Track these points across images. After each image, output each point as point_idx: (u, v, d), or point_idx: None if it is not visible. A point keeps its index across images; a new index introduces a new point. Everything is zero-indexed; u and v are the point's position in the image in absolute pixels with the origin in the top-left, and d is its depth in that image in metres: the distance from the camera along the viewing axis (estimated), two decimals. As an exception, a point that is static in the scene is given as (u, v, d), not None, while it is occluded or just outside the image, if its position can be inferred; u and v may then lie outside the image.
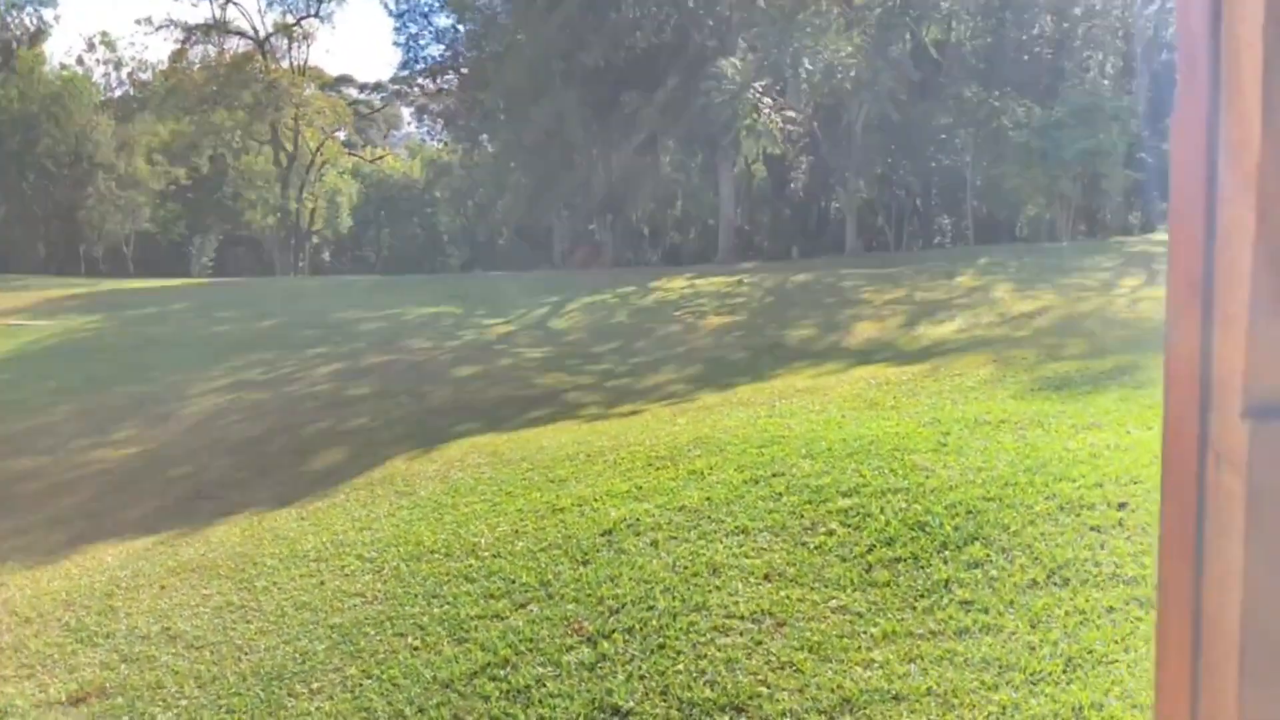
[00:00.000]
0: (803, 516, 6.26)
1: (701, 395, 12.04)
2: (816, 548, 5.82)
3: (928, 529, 5.76)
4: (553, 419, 11.53)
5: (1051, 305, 16.49)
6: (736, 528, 6.24)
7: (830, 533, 5.96)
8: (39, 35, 53.63)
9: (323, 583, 6.53)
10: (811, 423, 8.64)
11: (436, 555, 6.68)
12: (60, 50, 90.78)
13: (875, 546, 5.69)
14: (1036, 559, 5.25)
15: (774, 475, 7.04)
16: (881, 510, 6.10)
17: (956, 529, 5.70)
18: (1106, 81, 31.18)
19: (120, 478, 10.36)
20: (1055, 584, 4.99)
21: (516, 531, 6.88)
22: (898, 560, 5.51)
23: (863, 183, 33.88)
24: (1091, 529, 5.46)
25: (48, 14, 54.59)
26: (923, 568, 5.39)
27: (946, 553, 5.49)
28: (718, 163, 36.46)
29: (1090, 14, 30.64)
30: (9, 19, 52.97)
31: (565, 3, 34.64)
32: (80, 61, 55.15)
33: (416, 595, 6.12)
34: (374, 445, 10.79)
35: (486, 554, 6.57)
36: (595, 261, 38.09)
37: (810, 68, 28.15)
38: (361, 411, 12.70)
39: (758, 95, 26.63)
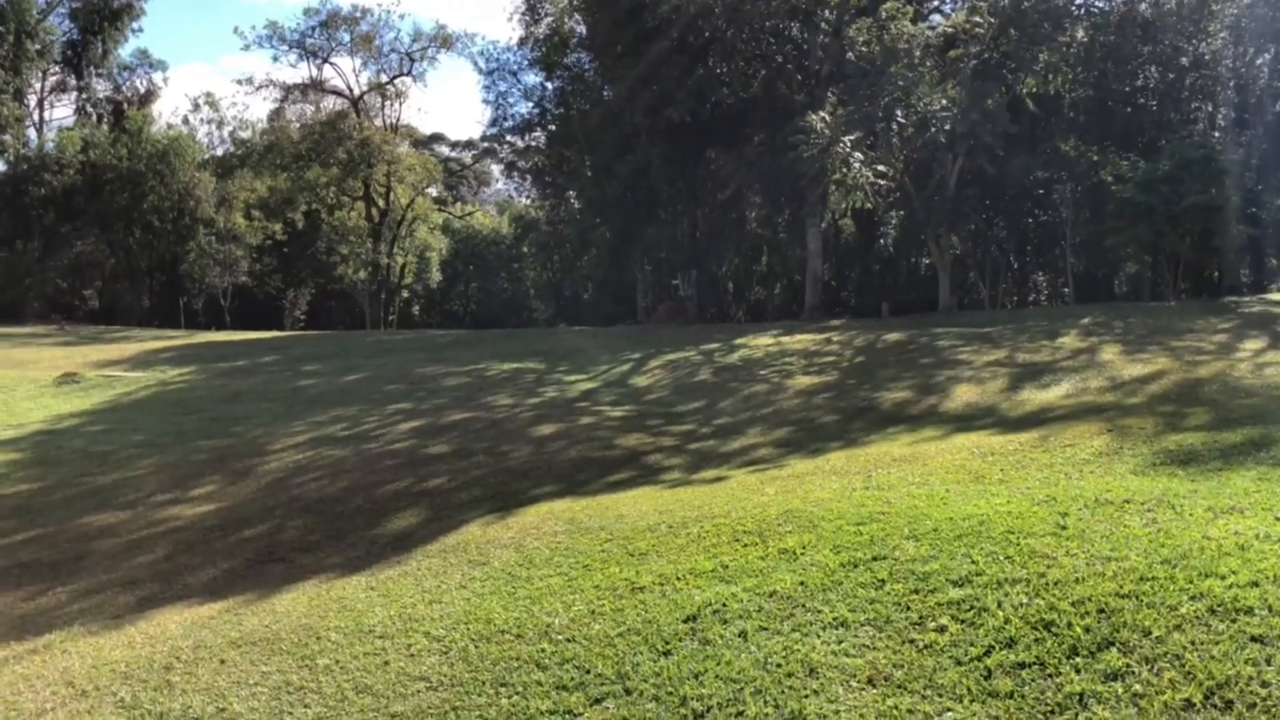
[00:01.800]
0: (909, 608, 5.64)
1: (790, 461, 11.43)
2: (926, 647, 5.20)
3: (1054, 629, 5.10)
4: (633, 483, 11.05)
5: (1166, 369, 15.49)
6: (835, 619, 5.65)
7: (941, 629, 5.33)
8: (149, 97, 56.23)
9: (387, 663, 6.11)
10: (913, 497, 7.99)
11: (507, 636, 6.22)
12: (168, 110, 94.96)
13: (994, 648, 5.05)
14: (1189, 673, 4.55)
15: (874, 558, 6.44)
16: (999, 604, 5.45)
17: (1088, 630, 5.03)
18: (1216, 134, 29.90)
19: (194, 536, 10.17)
20: (1216, 707, 4.29)
21: (593, 612, 6.39)
22: (1021, 666, 4.86)
23: (956, 238, 32.99)
24: (1253, 639, 4.73)
25: (157, 77, 57.27)
26: (1051, 677, 4.73)
27: (1078, 659, 4.82)
28: (805, 217, 35.96)
29: (1198, 64, 29.48)
30: (121, 82, 55.67)
31: (651, 59, 34.77)
32: (185, 121, 57.54)
33: (484, 683, 5.65)
34: (450, 508, 10.43)
35: (560, 637, 6.08)
36: (678, 317, 37.76)
37: (903, 121, 27.56)
38: (439, 471, 12.39)
39: (847, 149, 26.10)
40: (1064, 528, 6.53)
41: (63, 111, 56.03)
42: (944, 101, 26.88)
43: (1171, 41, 28.53)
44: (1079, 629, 5.05)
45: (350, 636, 6.59)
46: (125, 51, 55.79)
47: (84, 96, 55.71)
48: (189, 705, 5.87)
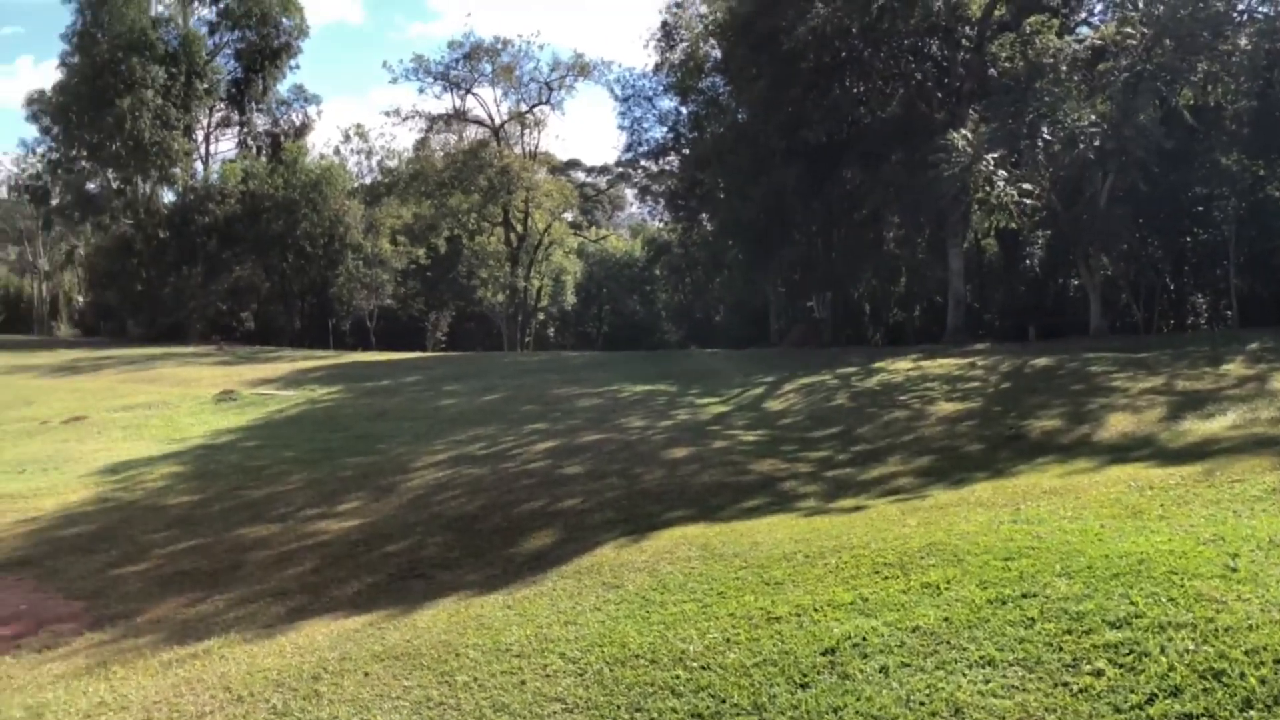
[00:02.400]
0: (1062, 649, 5.35)
1: (933, 491, 11.07)
2: (1081, 691, 4.91)
3: (1225, 679, 4.75)
4: (768, 510, 10.90)
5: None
6: (981, 658, 5.41)
7: (1098, 673, 5.03)
8: (303, 129, 59.27)
9: (524, 683, 6.16)
10: (1065, 532, 7.61)
11: (642, 661, 6.18)
12: (321, 141, 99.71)
13: (1157, 696, 4.73)
14: (1383, 735, 4.16)
15: (1024, 595, 6.14)
16: (1162, 650, 5.11)
17: (1264, 682, 4.66)
18: (1400, 145, 27.72)
19: (340, 550, 10.53)
20: None
21: (728, 640, 6.29)
22: (1188, 718, 4.54)
23: (1107, 259, 31.52)
24: None
25: (311, 110, 60.27)
26: (1223, 730, 4.40)
27: (1253, 713, 4.47)
28: (946, 238, 35.03)
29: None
30: (279, 116, 58.86)
31: (787, 81, 34.58)
32: (337, 151, 60.34)
33: (619, 706, 5.63)
34: (584, 529, 10.50)
35: (695, 664, 6.01)
36: (813, 340, 37.26)
37: (1049, 137, 26.56)
38: (574, 491, 12.51)
39: (990, 168, 25.31)
40: (1234, 570, 6.09)
41: (225, 145, 59.50)
42: (1093, 117, 25.77)
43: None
44: (1253, 680, 4.68)
45: (488, 654, 6.68)
46: (283, 87, 58.98)
47: (245, 130, 59.10)
48: (335, 715, 6.04)
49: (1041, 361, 21.30)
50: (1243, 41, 26.18)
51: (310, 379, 27.33)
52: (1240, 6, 27.33)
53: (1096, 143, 25.69)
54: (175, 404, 22.11)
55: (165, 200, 55.21)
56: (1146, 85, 26.40)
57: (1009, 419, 15.77)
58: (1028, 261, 39.94)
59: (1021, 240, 37.26)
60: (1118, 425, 14.42)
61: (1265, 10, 27.53)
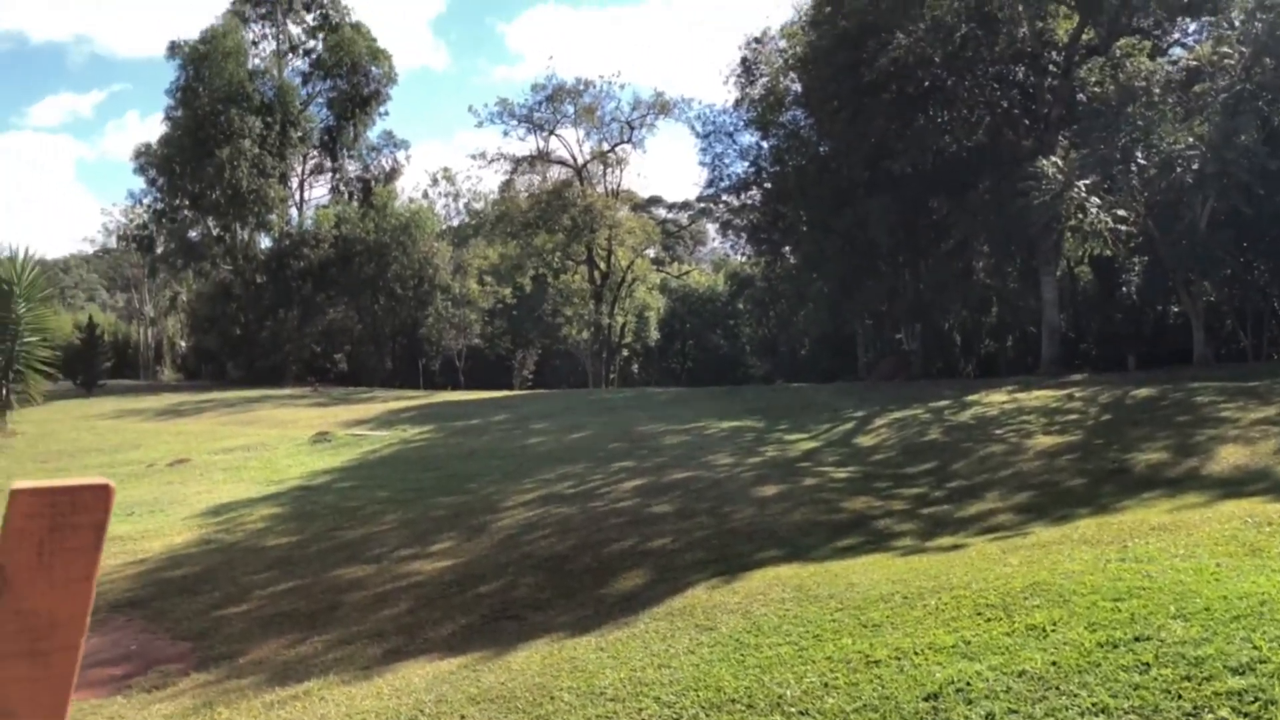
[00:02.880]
0: (1180, 697, 5.10)
1: (1034, 529, 10.73)
2: (1205, 744, 4.66)
3: (1362, 731, 4.46)
4: (862, 549, 10.68)
5: None
6: (1093, 705, 5.18)
7: (1222, 724, 4.78)
8: (393, 174, 60.92)
9: (622, 728, 6.11)
10: (1178, 571, 7.29)
11: (738, 705, 6.08)
12: (410, 185, 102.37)
13: (1288, 749, 4.47)
14: None
15: (1136, 639, 5.88)
16: (1292, 699, 4.83)
17: (1405, 736, 4.36)
18: None
19: (434, 591, 10.63)
20: None
21: (826, 684, 6.15)
22: (1323, 773, 4.28)
23: (1208, 284, 30.39)
24: None
25: (400, 155, 61.87)
26: (1365, 788, 4.12)
27: (1395, 768, 4.19)
28: (1038, 266, 34.22)
29: None
30: (369, 161, 60.64)
31: (869, 112, 34.38)
32: (425, 195, 61.86)
33: (716, 753, 5.54)
34: (674, 570, 10.43)
35: (792, 709, 5.88)
36: (902, 372, 36.66)
37: (1144, 162, 25.83)
38: (663, 531, 12.44)
39: (1083, 194, 24.70)
40: (1366, 613, 5.75)
41: (319, 191, 61.44)
42: (1190, 139, 24.99)
43: None
44: (1395, 734, 4.39)
45: (582, 698, 6.64)
46: (373, 134, 60.77)
47: (337, 176, 61.00)
48: (432, 759, 6.07)
49: (1143, 392, 20.58)
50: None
51: (402, 419, 27.85)
52: (1345, 20, 26.30)
53: (1195, 166, 24.88)
54: (273, 445, 22.72)
55: (262, 246, 57.19)
56: (1247, 105, 25.53)
57: (1111, 452, 15.23)
58: (1124, 289, 38.76)
59: (1117, 267, 36.21)
60: (1229, 458, 13.81)
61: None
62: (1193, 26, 34.80)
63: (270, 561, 12.54)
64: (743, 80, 45.43)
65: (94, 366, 45.58)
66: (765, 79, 44.83)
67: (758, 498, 14.01)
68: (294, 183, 59.44)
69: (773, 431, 20.84)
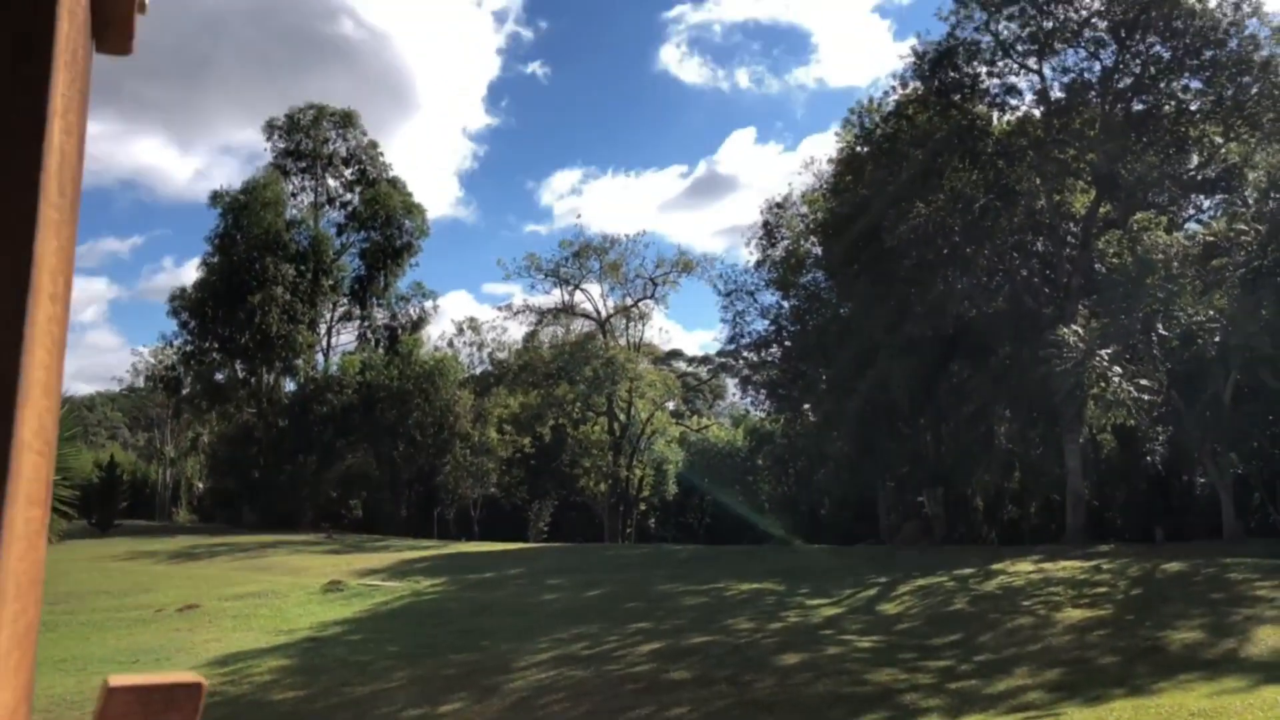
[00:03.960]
0: None
1: (1066, 710, 10.30)
2: None
3: None
4: (890, 727, 10.25)
5: None
6: None
7: None
8: (420, 323, 62.01)
9: None
10: (1228, 768, 6.93)
11: None
12: (436, 333, 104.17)
13: None
14: None
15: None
16: None
17: None
18: None
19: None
20: None
21: None
22: None
23: (1235, 456, 30.06)
24: None
25: (428, 305, 63.04)
26: None
27: None
28: (1061, 433, 34.02)
29: None
30: (398, 310, 61.84)
31: (888, 277, 35.01)
32: (450, 343, 62.67)
33: None
34: (694, 743, 10.01)
35: None
36: (924, 537, 36.03)
37: (1165, 333, 26.01)
38: (681, 699, 12.02)
39: (1105, 363, 24.78)
40: None
41: (346, 337, 62.45)
42: (1211, 312, 25.22)
43: None
44: None
45: None
46: (403, 284, 62.18)
47: (365, 324, 62.09)
48: None
49: (1174, 566, 20.08)
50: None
51: (416, 569, 27.45)
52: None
53: (1216, 339, 25.03)
54: (284, 593, 22.35)
55: (287, 390, 57.78)
56: (1266, 280, 25.86)
57: (1144, 629, 14.74)
58: (1149, 458, 38.38)
59: (1141, 436, 35.97)
60: (1268, 640, 13.33)
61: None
62: (1207, 203, 35.65)
63: (276, 717, 12.14)
64: (764, 243, 46.60)
65: (111, 506, 45.45)
66: (787, 242, 45.96)
67: (779, 666, 13.56)
68: (322, 329, 60.55)
69: (794, 595, 20.35)
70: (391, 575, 26.14)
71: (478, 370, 62.88)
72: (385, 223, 59.59)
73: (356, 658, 15.40)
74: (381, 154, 61.41)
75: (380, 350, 59.94)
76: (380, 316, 62.37)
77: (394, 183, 60.74)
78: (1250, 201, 28.30)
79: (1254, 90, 30.54)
